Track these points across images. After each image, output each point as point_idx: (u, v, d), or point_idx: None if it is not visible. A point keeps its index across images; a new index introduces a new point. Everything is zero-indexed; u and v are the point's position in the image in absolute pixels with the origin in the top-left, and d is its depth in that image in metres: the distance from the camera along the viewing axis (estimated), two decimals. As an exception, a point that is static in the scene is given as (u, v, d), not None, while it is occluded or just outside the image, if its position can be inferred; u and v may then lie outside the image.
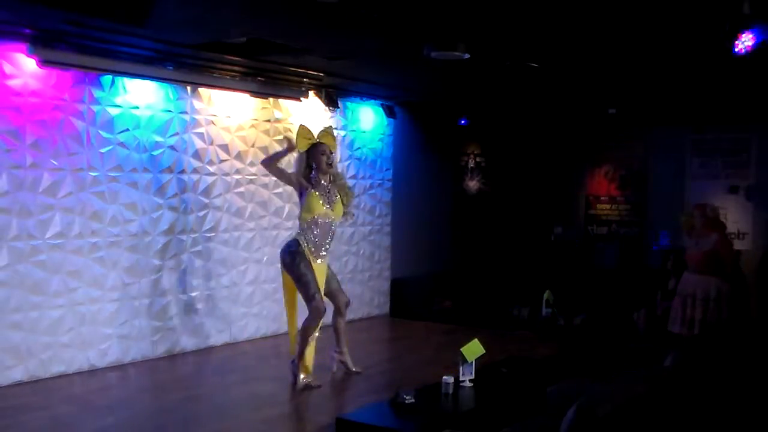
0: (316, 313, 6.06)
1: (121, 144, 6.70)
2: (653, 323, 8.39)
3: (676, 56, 6.46)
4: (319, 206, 6.08)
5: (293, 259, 6.06)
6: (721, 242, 7.10)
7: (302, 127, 6.23)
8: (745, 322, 7.07)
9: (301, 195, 6.19)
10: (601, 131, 11.27)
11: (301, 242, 6.05)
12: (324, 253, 6.16)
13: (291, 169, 6.60)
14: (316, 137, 6.20)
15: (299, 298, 6.22)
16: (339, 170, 6.61)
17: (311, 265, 6.05)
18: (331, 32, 5.73)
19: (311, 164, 6.15)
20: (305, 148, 6.16)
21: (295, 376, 6.19)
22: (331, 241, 6.22)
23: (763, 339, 6.31)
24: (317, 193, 6.10)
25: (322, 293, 6.13)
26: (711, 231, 7.13)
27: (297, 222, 6.37)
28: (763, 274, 7.59)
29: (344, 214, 6.35)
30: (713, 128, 10.74)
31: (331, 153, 6.22)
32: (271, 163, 6.35)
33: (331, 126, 6.70)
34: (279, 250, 6.33)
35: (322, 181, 6.16)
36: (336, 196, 6.21)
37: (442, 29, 5.51)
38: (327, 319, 6.30)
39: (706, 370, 3.98)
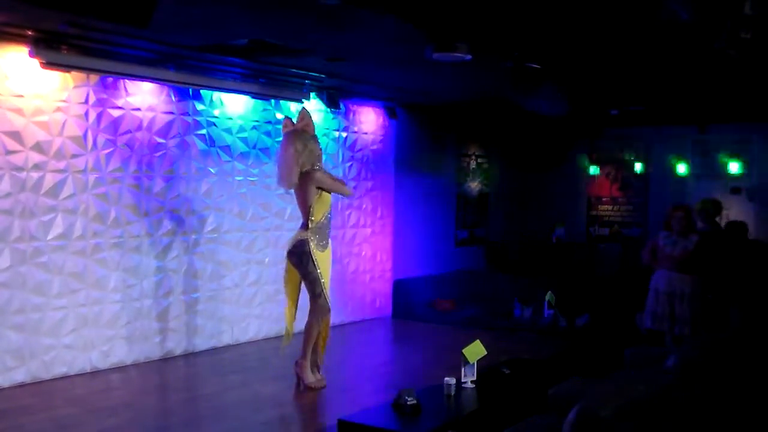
0: (321, 311, 6.09)
1: (123, 146, 6.71)
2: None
3: (677, 56, 6.46)
4: (329, 200, 6.16)
5: (302, 259, 6.06)
6: (700, 245, 7.23)
7: (305, 110, 6.28)
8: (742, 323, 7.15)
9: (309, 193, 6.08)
10: (603, 132, 11.29)
11: (310, 241, 6.04)
12: (329, 240, 6.22)
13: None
14: (299, 124, 6.18)
15: (302, 292, 6.25)
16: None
17: (318, 261, 6.06)
18: (333, 33, 5.74)
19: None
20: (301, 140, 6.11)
21: (299, 377, 6.19)
22: (330, 226, 6.28)
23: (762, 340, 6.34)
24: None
25: (327, 282, 6.14)
26: (691, 232, 7.36)
27: (298, 223, 6.31)
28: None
29: None
30: (715, 129, 10.75)
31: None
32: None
33: (305, 108, 6.54)
34: (284, 251, 6.29)
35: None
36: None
37: (443, 30, 5.51)
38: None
39: (709, 371, 3.98)
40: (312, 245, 6.03)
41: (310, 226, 6.08)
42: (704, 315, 7.10)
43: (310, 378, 6.17)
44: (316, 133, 6.29)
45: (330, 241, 6.25)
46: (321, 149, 6.23)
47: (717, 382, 4.03)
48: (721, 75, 7.19)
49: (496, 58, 6.40)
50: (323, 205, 6.09)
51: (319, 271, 6.03)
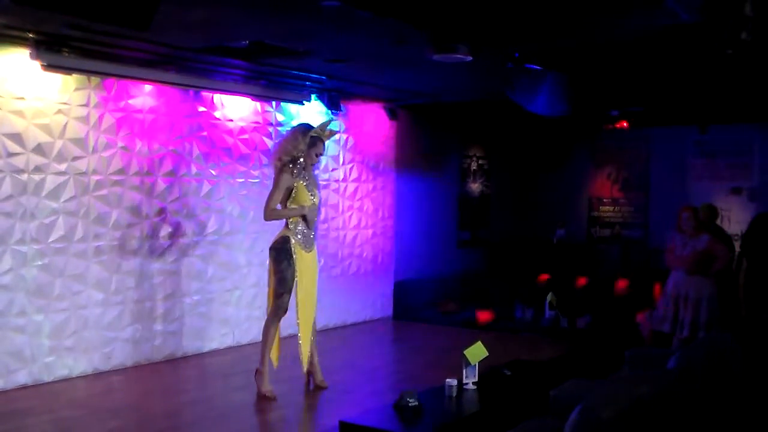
0: (278, 311, 5.97)
1: (124, 147, 6.71)
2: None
3: (678, 56, 6.46)
4: (308, 198, 6.01)
5: (278, 255, 5.98)
6: (711, 243, 7.23)
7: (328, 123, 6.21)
8: (736, 323, 7.16)
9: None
10: (603, 132, 11.28)
11: (290, 238, 5.98)
12: (313, 242, 6.12)
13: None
14: (325, 135, 6.15)
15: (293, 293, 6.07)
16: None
17: (296, 262, 5.96)
18: (333, 35, 5.74)
19: (302, 151, 6.02)
20: (314, 134, 6.04)
21: (309, 375, 6.20)
22: (316, 228, 6.20)
23: (758, 340, 6.35)
24: (304, 184, 6.01)
25: (312, 284, 6.08)
26: (701, 232, 7.36)
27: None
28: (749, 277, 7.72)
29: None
30: (716, 129, 10.75)
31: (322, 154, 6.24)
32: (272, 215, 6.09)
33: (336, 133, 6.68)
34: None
35: (303, 170, 6.04)
36: (315, 183, 6.18)
37: (443, 31, 5.51)
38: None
39: (710, 372, 3.98)
40: (295, 243, 5.96)
41: (288, 224, 6.03)
42: (714, 317, 7.09)
43: (265, 387, 5.99)
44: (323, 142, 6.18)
45: (314, 243, 6.13)
46: (315, 158, 6.07)
47: (718, 383, 4.03)
48: (722, 75, 7.19)
49: (497, 59, 6.40)
50: (298, 202, 5.98)
51: (295, 272, 5.93)
